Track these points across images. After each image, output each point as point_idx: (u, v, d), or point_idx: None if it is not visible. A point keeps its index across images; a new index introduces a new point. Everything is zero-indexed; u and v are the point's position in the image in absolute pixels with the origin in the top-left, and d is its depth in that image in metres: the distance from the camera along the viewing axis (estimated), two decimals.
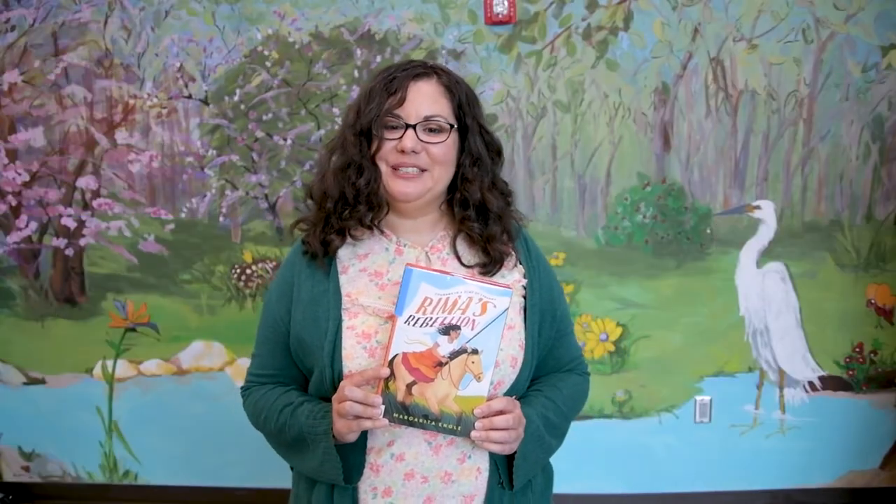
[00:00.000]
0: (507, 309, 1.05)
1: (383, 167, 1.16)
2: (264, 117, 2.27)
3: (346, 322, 1.14)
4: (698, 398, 2.34)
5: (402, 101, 1.13)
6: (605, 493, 2.38)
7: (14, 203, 2.36)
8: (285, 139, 2.28)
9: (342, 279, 1.18)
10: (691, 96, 2.21)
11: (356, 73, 2.23)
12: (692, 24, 2.17)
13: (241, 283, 2.35)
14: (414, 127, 1.13)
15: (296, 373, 1.24)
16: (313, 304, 1.17)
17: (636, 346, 2.32)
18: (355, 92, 2.24)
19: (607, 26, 2.19)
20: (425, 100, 1.14)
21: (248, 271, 2.35)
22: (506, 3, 2.15)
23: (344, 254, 1.21)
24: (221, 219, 2.33)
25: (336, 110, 2.25)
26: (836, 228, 2.26)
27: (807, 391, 2.33)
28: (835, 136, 2.22)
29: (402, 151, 1.13)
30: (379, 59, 2.22)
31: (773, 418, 2.34)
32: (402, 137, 1.13)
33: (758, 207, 2.25)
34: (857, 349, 2.31)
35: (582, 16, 2.18)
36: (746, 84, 2.21)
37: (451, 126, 1.16)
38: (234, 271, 2.35)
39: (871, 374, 2.32)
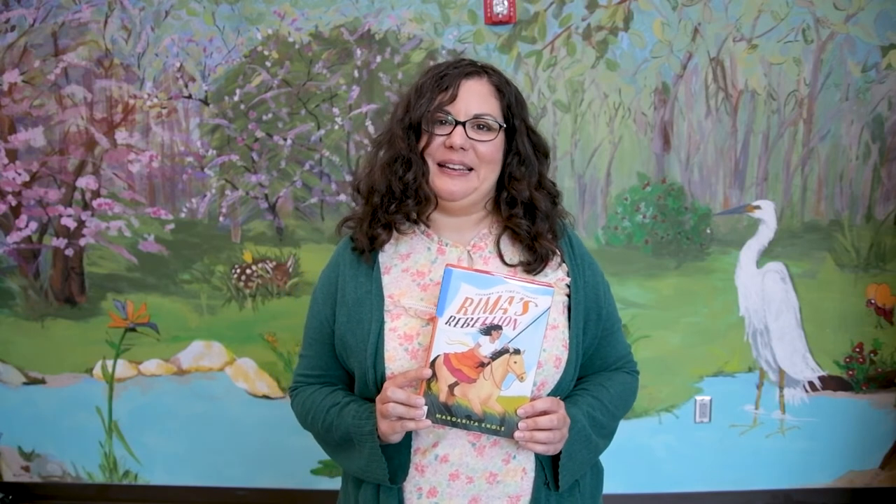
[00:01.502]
0: (549, 308, 1.04)
1: (431, 164, 1.16)
2: (264, 117, 2.27)
3: (389, 324, 1.14)
4: (698, 398, 2.34)
5: (453, 98, 1.14)
6: (605, 493, 2.37)
7: (14, 203, 2.36)
8: (285, 139, 2.28)
9: (385, 280, 1.19)
10: (691, 96, 2.21)
11: (356, 73, 2.24)
12: (692, 24, 2.17)
13: (241, 283, 2.35)
14: (464, 124, 1.13)
15: (342, 373, 1.24)
16: (357, 306, 1.17)
17: (636, 346, 2.32)
18: (355, 92, 2.24)
19: (607, 26, 2.19)
20: (476, 98, 1.15)
21: (248, 271, 2.35)
22: (506, 3, 2.15)
23: (386, 254, 1.21)
24: (221, 219, 2.33)
25: (336, 110, 2.25)
26: (836, 228, 2.26)
27: (807, 391, 2.33)
28: (835, 136, 2.22)
29: (451, 148, 1.13)
30: (379, 59, 2.22)
31: (772, 418, 2.34)
32: (451, 134, 1.13)
33: (758, 207, 2.25)
34: (857, 349, 2.31)
35: (582, 16, 2.18)
36: (746, 84, 2.21)
37: (501, 126, 1.16)
38: (234, 271, 2.35)
39: (870, 374, 2.32)
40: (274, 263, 2.35)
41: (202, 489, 2.46)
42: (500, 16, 2.17)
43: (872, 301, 2.30)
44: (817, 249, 2.27)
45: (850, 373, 2.32)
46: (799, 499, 2.38)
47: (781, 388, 2.33)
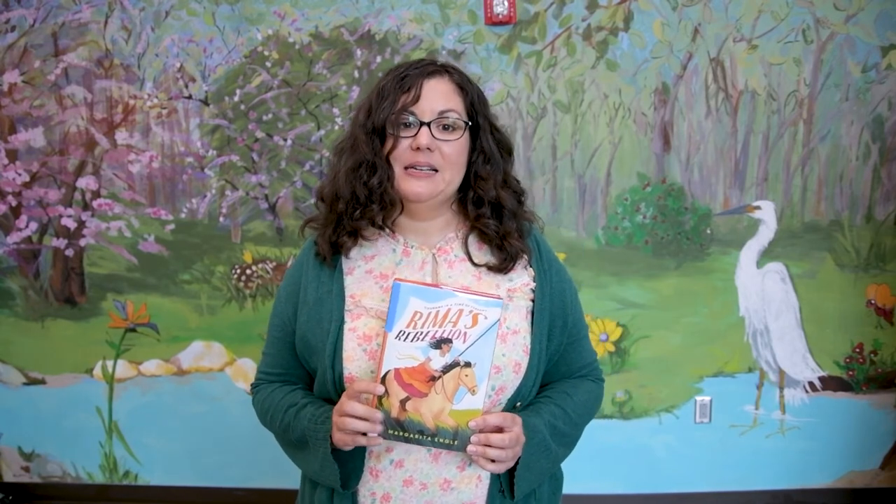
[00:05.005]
0: (499, 320, 1.03)
1: (397, 167, 1.14)
2: (264, 118, 2.27)
3: (348, 324, 1.13)
4: (698, 398, 2.34)
5: (416, 99, 1.12)
6: (605, 494, 2.38)
7: (14, 203, 2.36)
8: (285, 139, 2.28)
9: (347, 280, 1.18)
10: (691, 96, 2.21)
11: (356, 74, 2.24)
12: (692, 25, 2.17)
13: (241, 284, 2.35)
14: (429, 125, 1.12)
15: (303, 372, 1.23)
16: (318, 305, 1.16)
17: (636, 346, 2.32)
18: (355, 92, 2.24)
19: (607, 26, 2.19)
20: (439, 97, 1.14)
21: (248, 271, 2.35)
22: (506, 3, 2.15)
23: (351, 255, 1.20)
24: (221, 219, 2.33)
25: (336, 110, 2.25)
26: (836, 229, 2.26)
27: (807, 391, 2.33)
28: (835, 137, 2.22)
29: (417, 149, 1.12)
30: (379, 59, 2.22)
31: (772, 418, 2.34)
32: (416, 135, 1.12)
33: (758, 208, 2.25)
34: (857, 349, 2.31)
35: (582, 16, 2.18)
36: (746, 84, 2.21)
37: (466, 124, 1.15)
38: (234, 271, 2.35)
39: (870, 375, 2.32)
40: (274, 264, 2.35)
41: (202, 489, 2.46)
42: (501, 16, 2.16)
43: (872, 301, 2.30)
44: (817, 250, 2.27)
45: (851, 373, 2.32)
46: (799, 499, 2.38)
47: (781, 389, 2.33)
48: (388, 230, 1.20)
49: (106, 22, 2.26)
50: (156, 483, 2.47)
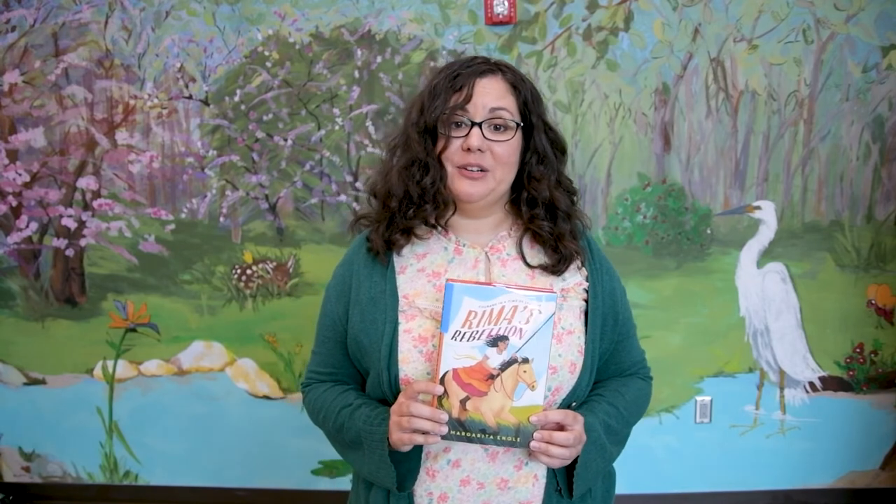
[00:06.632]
0: (554, 314, 1.03)
1: (449, 167, 1.14)
2: (265, 118, 2.27)
3: (403, 325, 1.13)
4: (698, 398, 2.34)
5: (468, 99, 1.12)
6: None
7: (14, 203, 2.36)
8: (286, 139, 2.28)
9: (399, 279, 1.17)
10: (691, 96, 2.21)
11: (356, 74, 2.24)
12: (692, 25, 2.17)
13: (242, 284, 2.35)
14: (480, 125, 1.11)
15: (354, 371, 1.23)
16: (371, 305, 1.15)
17: None
18: (355, 92, 2.24)
19: (607, 27, 2.19)
20: (491, 96, 1.13)
21: (249, 272, 2.35)
22: (506, 3, 2.15)
23: (403, 253, 1.19)
24: (222, 219, 2.33)
25: (336, 110, 2.25)
26: (837, 229, 2.26)
27: (807, 391, 2.33)
28: (835, 137, 2.22)
29: (468, 150, 1.12)
30: (379, 59, 2.22)
31: (773, 419, 2.34)
32: (467, 135, 1.12)
33: (758, 208, 2.25)
34: (858, 349, 2.31)
35: (582, 16, 2.18)
36: (747, 84, 2.21)
37: (518, 125, 1.14)
38: (234, 272, 2.35)
39: (871, 375, 2.32)
40: (274, 264, 2.35)
41: (202, 489, 2.46)
42: (501, 16, 2.16)
43: (873, 301, 2.29)
44: (818, 250, 2.27)
45: (851, 373, 2.32)
46: (799, 499, 2.38)
47: (782, 389, 2.33)
48: (440, 228, 1.20)
49: (106, 22, 2.26)
50: (156, 483, 2.47)
